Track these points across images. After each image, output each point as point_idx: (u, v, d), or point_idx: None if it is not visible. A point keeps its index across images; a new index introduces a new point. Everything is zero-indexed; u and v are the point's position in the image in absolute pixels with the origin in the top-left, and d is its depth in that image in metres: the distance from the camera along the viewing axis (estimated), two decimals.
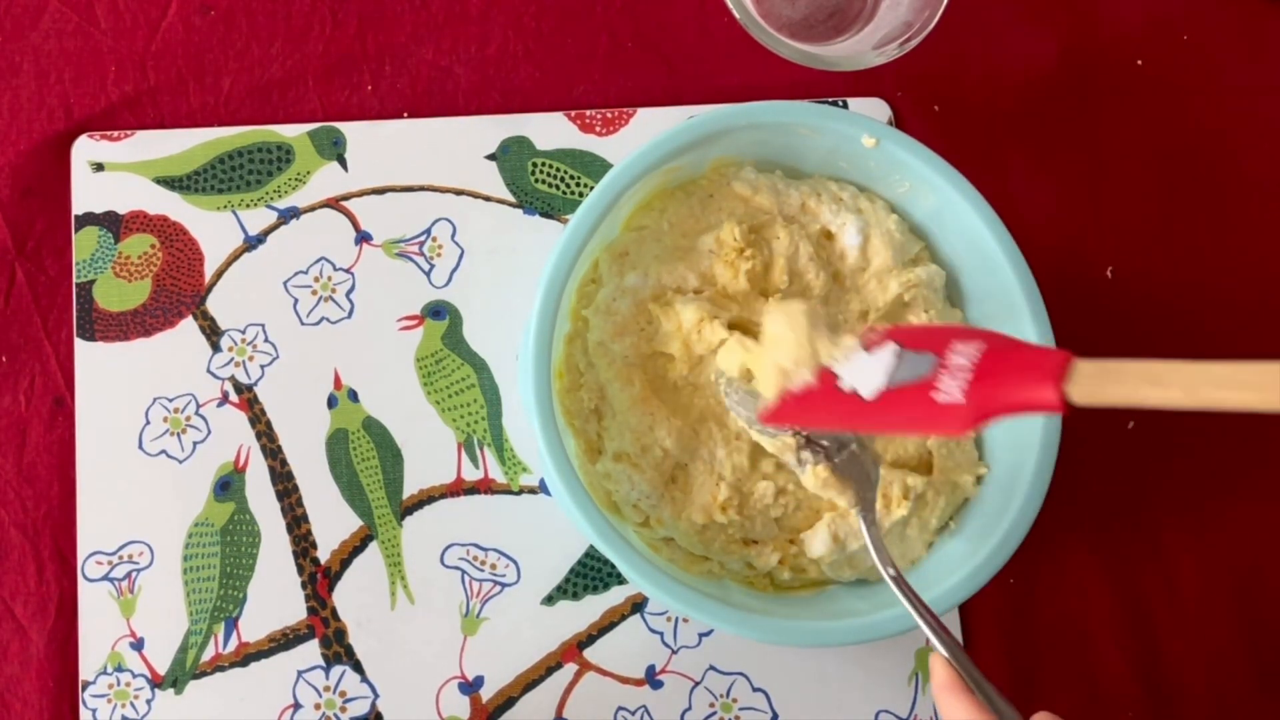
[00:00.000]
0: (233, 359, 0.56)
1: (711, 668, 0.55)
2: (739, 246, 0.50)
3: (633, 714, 0.54)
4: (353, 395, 0.56)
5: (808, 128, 0.50)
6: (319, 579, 0.55)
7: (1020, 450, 0.49)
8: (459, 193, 0.58)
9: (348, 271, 0.57)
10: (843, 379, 0.45)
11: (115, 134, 0.58)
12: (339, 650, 0.54)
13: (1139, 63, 0.62)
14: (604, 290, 0.50)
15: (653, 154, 0.48)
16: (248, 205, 0.57)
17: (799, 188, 0.52)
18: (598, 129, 0.59)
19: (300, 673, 0.54)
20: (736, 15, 0.54)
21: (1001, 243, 0.49)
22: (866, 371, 0.44)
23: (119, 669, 0.53)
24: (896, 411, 0.43)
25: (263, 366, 0.56)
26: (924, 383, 0.42)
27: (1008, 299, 0.50)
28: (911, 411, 0.43)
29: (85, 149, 0.57)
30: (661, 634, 0.55)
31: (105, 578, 0.54)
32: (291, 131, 0.58)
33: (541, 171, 0.59)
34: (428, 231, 0.58)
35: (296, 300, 0.57)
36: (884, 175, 0.52)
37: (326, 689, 0.54)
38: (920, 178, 0.50)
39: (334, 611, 0.54)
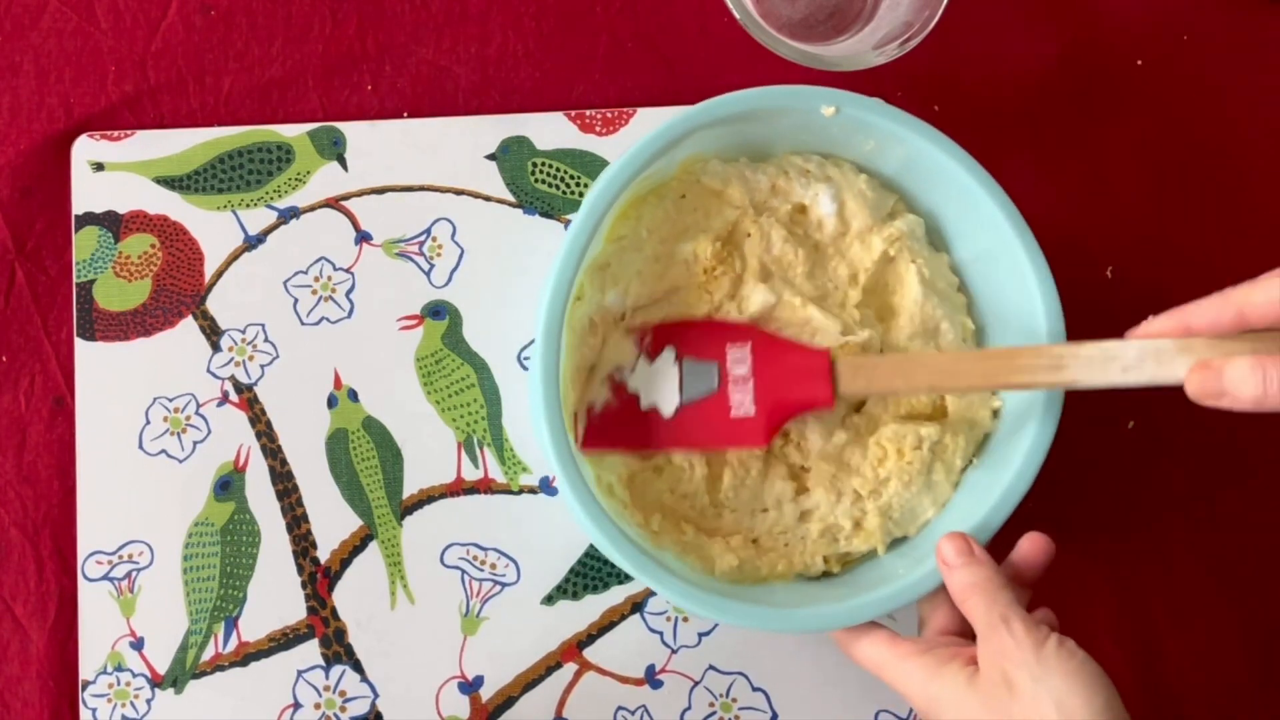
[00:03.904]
0: (233, 359, 0.56)
1: (711, 667, 0.55)
2: (709, 265, 0.50)
3: (632, 714, 0.54)
4: (353, 395, 0.56)
5: (768, 111, 0.50)
6: (319, 579, 0.55)
7: None
8: (459, 193, 0.58)
9: (348, 271, 0.57)
10: (641, 398, 0.48)
11: (115, 134, 0.58)
12: (339, 650, 0.54)
13: (1139, 63, 0.62)
14: (581, 308, 0.50)
15: (629, 167, 0.48)
16: (248, 205, 0.57)
17: (765, 170, 0.53)
18: (598, 129, 0.59)
19: (300, 672, 0.54)
20: (736, 15, 0.54)
21: (974, 174, 0.50)
22: (660, 388, 0.48)
23: (119, 668, 0.53)
24: (699, 431, 0.47)
25: (263, 366, 0.56)
26: (716, 398, 0.47)
27: (994, 230, 0.50)
28: (713, 430, 0.47)
29: (85, 149, 0.57)
30: (661, 633, 0.55)
31: (105, 577, 0.54)
32: (291, 131, 0.58)
33: (541, 171, 0.59)
34: (428, 231, 0.58)
35: (296, 300, 0.57)
36: (847, 139, 0.52)
37: (326, 688, 0.54)
38: (884, 132, 0.51)
39: (334, 611, 0.54)
